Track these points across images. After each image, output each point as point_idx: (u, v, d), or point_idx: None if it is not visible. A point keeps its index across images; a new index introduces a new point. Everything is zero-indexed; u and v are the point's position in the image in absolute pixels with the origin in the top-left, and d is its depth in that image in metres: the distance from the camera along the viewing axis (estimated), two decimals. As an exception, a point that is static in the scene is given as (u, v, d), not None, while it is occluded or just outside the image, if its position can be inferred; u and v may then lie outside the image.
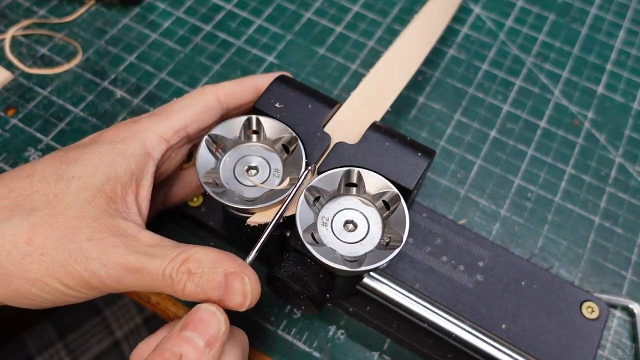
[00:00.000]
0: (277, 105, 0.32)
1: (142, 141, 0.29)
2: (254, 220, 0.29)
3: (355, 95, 0.34)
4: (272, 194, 0.29)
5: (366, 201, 0.30)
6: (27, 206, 0.26)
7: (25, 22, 0.47)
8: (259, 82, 0.33)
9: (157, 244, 0.26)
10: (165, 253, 0.25)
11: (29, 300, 0.26)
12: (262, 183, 0.30)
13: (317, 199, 0.29)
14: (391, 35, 0.49)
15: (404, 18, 0.51)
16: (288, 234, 0.30)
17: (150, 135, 0.30)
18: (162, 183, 0.34)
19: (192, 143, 0.33)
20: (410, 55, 0.39)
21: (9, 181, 0.27)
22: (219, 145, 0.31)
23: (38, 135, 0.42)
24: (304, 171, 0.29)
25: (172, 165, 0.32)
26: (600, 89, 0.48)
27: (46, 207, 0.26)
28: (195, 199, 0.37)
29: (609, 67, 0.49)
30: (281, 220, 0.28)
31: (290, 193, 0.28)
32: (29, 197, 0.26)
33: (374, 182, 0.29)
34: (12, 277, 0.25)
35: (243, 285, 0.25)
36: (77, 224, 0.26)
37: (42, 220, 0.26)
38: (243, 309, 0.25)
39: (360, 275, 0.32)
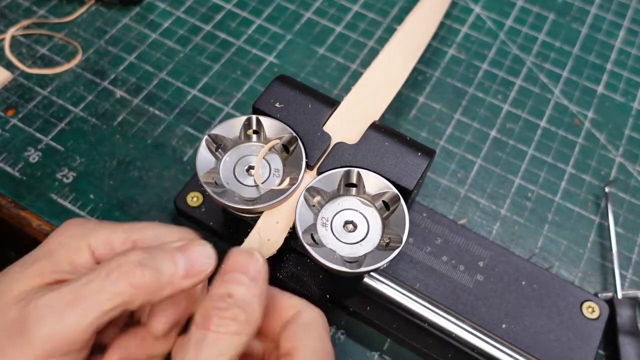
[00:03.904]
0: (277, 105, 0.32)
1: None
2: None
3: (353, 94, 0.34)
4: (272, 194, 0.29)
5: (366, 201, 0.30)
6: None
7: (25, 22, 0.47)
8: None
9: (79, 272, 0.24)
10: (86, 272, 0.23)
11: None
12: (262, 183, 0.30)
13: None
14: (391, 34, 0.49)
15: (404, 18, 0.50)
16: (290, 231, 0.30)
17: None
18: None
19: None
20: (408, 51, 0.39)
21: None
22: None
23: (38, 135, 0.42)
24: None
25: None
26: (600, 89, 0.48)
27: None
28: (195, 199, 0.37)
29: (609, 66, 0.49)
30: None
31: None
32: None
33: (374, 182, 0.29)
34: None
35: (200, 248, 0.24)
36: None
37: None
38: (209, 271, 0.24)
39: (361, 275, 0.32)
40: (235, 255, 0.24)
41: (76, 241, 0.25)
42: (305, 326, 0.24)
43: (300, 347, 0.23)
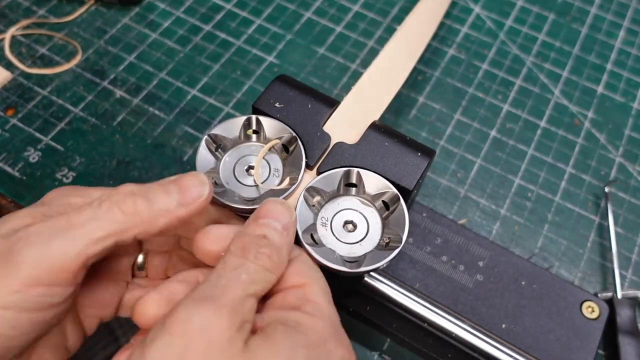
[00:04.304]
0: (276, 105, 0.32)
1: None
2: None
3: (353, 93, 0.34)
4: (272, 194, 0.29)
5: (366, 201, 0.30)
6: None
7: (24, 22, 0.47)
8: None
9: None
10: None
11: None
12: (262, 183, 0.30)
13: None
14: (391, 34, 0.49)
15: (404, 18, 0.50)
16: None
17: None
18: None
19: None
20: (408, 51, 0.39)
21: None
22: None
23: (37, 135, 0.42)
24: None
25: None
26: (600, 89, 0.48)
27: None
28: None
29: (609, 66, 0.49)
30: None
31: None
32: None
33: (374, 182, 0.29)
34: None
35: (192, 177, 0.25)
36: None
37: None
38: (204, 198, 0.25)
39: (360, 275, 0.32)
40: (271, 203, 0.26)
41: (69, 194, 0.25)
42: (311, 266, 0.26)
43: (310, 282, 0.25)
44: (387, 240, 0.28)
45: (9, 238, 0.22)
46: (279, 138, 0.31)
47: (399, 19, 0.51)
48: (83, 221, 0.22)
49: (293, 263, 0.26)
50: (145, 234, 0.23)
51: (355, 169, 0.29)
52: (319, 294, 0.25)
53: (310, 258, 0.26)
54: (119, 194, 0.23)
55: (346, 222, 0.29)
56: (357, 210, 0.30)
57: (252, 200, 0.29)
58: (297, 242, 0.28)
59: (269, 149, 0.31)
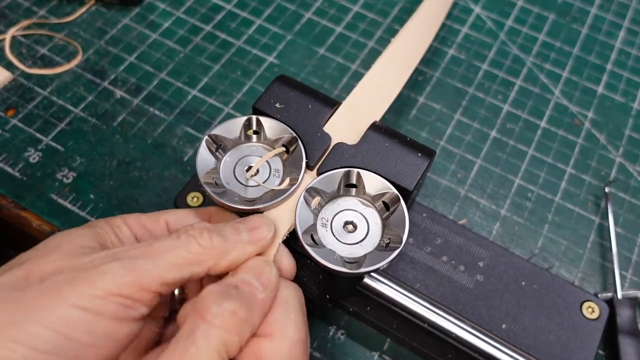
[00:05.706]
0: (277, 105, 0.32)
1: None
2: None
3: (354, 94, 0.34)
4: (272, 194, 0.29)
5: (366, 202, 0.30)
6: None
7: (25, 22, 0.47)
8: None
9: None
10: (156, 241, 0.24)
11: None
12: (262, 183, 0.30)
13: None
14: (391, 35, 0.49)
15: (404, 18, 0.50)
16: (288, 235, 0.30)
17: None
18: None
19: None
20: (409, 52, 0.39)
21: None
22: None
23: (38, 135, 0.42)
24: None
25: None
26: (600, 89, 0.48)
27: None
28: (195, 199, 0.37)
29: (609, 66, 0.49)
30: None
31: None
32: None
33: (374, 183, 0.29)
34: None
35: (259, 218, 0.26)
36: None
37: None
38: (269, 238, 0.26)
39: (361, 275, 0.32)
40: (253, 260, 0.25)
41: (114, 220, 0.26)
42: (286, 307, 0.25)
43: (277, 336, 0.23)
44: (388, 241, 0.28)
45: (91, 254, 0.23)
46: (283, 145, 0.31)
47: (399, 19, 0.51)
48: (164, 248, 0.23)
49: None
50: (215, 267, 0.24)
51: (356, 170, 0.29)
52: (279, 357, 0.23)
53: (284, 293, 0.25)
54: (196, 230, 0.24)
55: (346, 223, 0.29)
56: (357, 211, 0.30)
57: (253, 201, 0.29)
58: (297, 243, 0.28)
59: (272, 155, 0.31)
